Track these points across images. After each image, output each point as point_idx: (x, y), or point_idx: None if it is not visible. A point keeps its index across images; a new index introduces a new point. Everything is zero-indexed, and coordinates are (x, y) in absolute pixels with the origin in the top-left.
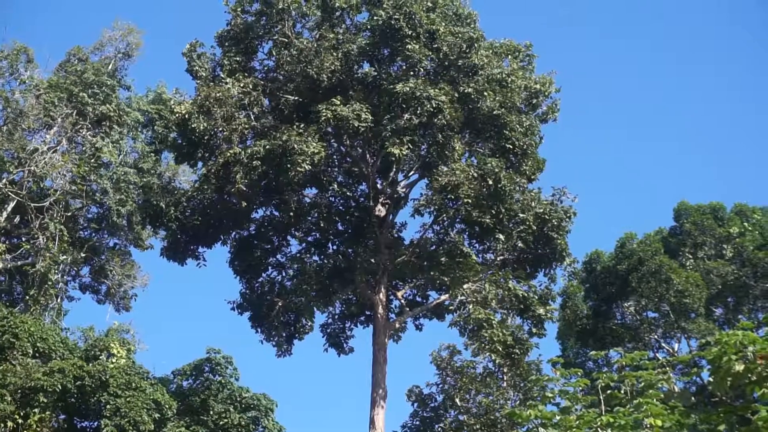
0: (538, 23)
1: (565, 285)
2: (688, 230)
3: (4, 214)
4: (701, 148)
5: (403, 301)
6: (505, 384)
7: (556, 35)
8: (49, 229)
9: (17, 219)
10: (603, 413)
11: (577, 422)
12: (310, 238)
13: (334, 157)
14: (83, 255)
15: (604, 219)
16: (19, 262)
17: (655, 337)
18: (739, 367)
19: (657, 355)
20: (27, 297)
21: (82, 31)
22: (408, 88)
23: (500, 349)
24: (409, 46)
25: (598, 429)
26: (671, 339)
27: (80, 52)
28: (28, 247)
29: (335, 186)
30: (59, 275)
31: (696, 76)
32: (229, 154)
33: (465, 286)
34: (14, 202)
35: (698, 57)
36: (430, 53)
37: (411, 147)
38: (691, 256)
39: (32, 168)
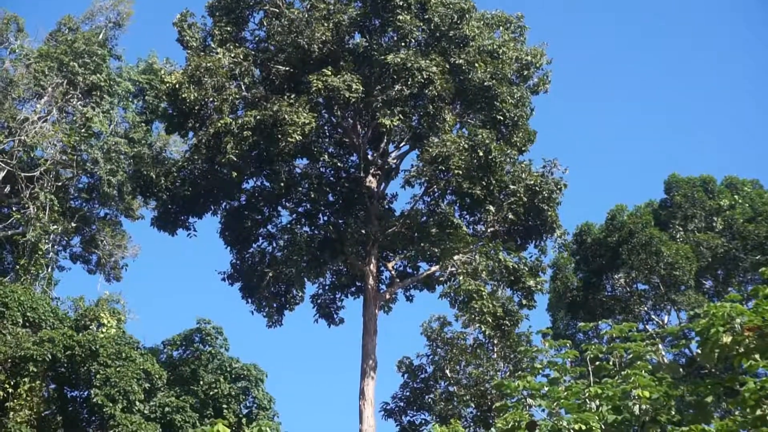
0: None
1: (556, 257)
2: (679, 203)
3: None
4: (692, 120)
5: (393, 272)
6: (495, 355)
7: (547, 6)
8: (40, 199)
9: (7, 188)
10: (591, 384)
11: (566, 393)
12: (300, 209)
13: (325, 127)
14: (74, 225)
15: (594, 191)
16: (9, 232)
17: (645, 309)
18: (727, 339)
19: (647, 327)
20: (17, 266)
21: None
22: (399, 59)
23: (490, 320)
24: (400, 17)
25: (586, 400)
26: (661, 311)
27: (71, 22)
28: (19, 216)
29: (326, 157)
30: (50, 245)
31: (686, 48)
32: (219, 125)
33: (455, 258)
34: (4, 172)
35: (688, 28)
36: (421, 24)
37: (402, 118)
38: (681, 229)
39: (22, 137)
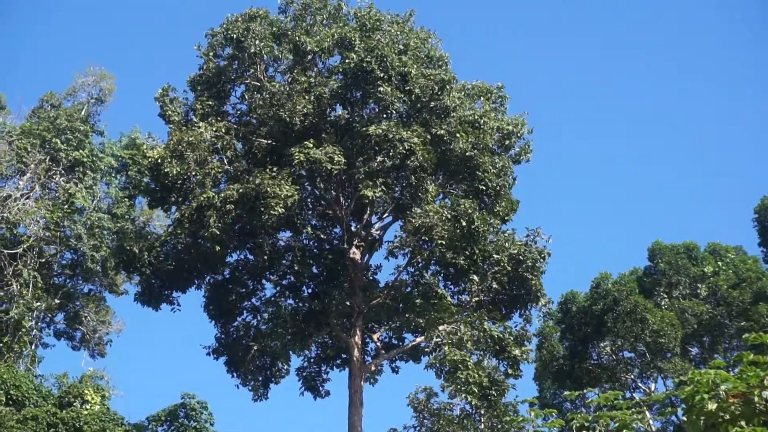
0: (510, 63)
1: (541, 326)
2: (663, 270)
3: None
4: (674, 187)
5: (378, 343)
6: (482, 426)
7: (528, 74)
8: (23, 276)
9: None
10: None
11: None
12: (284, 282)
13: (308, 200)
14: (57, 301)
15: (578, 259)
16: None
17: (632, 377)
18: (712, 406)
19: (634, 395)
20: (1, 345)
21: (55, 77)
22: (380, 131)
23: (476, 390)
24: (381, 89)
25: None
26: (648, 379)
27: (53, 98)
28: (2, 294)
29: (309, 229)
30: (33, 322)
31: (663, 115)
32: (202, 199)
33: (440, 328)
34: None
35: (670, 95)
36: (402, 95)
37: (384, 189)
38: (666, 296)
39: (5, 214)
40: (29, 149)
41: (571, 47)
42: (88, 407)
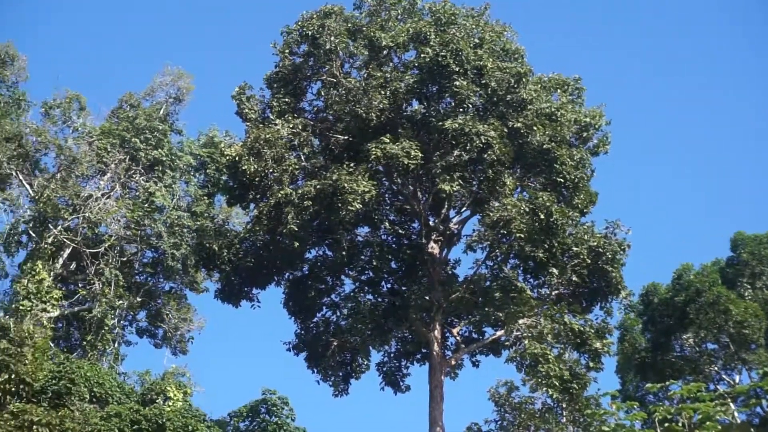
0: (587, 56)
1: (622, 318)
2: (746, 260)
3: (60, 261)
4: (757, 177)
5: (458, 337)
6: (564, 419)
7: (606, 66)
8: (105, 275)
9: (73, 265)
10: None
11: None
12: (363, 277)
13: (386, 195)
14: (139, 300)
15: (659, 251)
16: (76, 308)
17: (716, 369)
18: None
19: (718, 387)
20: (84, 343)
21: (134, 77)
22: (457, 125)
23: (557, 384)
24: (457, 83)
25: None
26: (732, 371)
27: (132, 99)
28: (85, 293)
29: (387, 224)
30: (116, 320)
31: (747, 105)
32: (280, 195)
33: (520, 322)
34: (70, 249)
35: (750, 85)
36: (478, 89)
37: (462, 183)
38: (749, 286)
39: (87, 214)
40: (109, 149)
41: (649, 36)
42: (170, 404)
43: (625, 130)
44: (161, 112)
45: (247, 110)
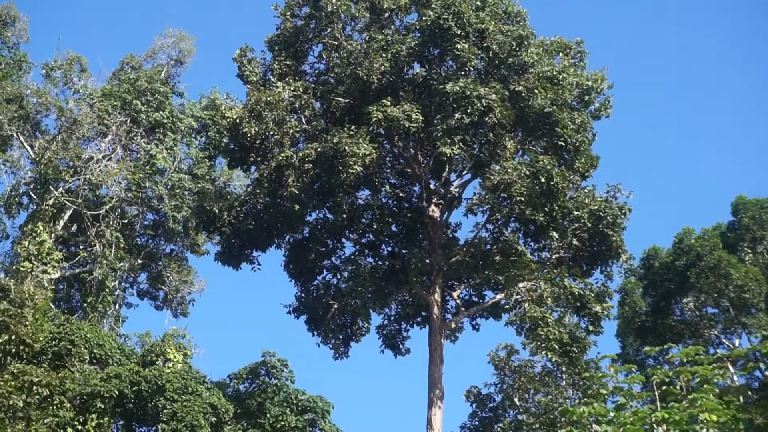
0: (589, 17)
1: (623, 282)
2: (747, 225)
3: (61, 223)
4: (758, 141)
5: (458, 301)
6: (564, 383)
7: (607, 28)
8: (106, 237)
9: (74, 227)
10: (658, 409)
11: (632, 419)
12: (364, 240)
13: (386, 158)
14: (140, 262)
15: (660, 215)
16: (76, 270)
17: (715, 333)
18: None
19: (717, 351)
20: (85, 304)
21: (135, 39)
22: (458, 88)
23: (557, 347)
24: (459, 46)
25: (653, 425)
26: (732, 335)
27: (133, 60)
28: (86, 255)
29: (388, 187)
30: (116, 282)
31: (751, 68)
32: (281, 158)
33: (520, 285)
34: (71, 211)
35: (754, 48)
36: (480, 52)
37: (463, 146)
38: (750, 251)
39: (88, 176)
40: (110, 111)
41: None
42: (170, 365)
43: (626, 93)
44: (163, 74)
45: (248, 73)
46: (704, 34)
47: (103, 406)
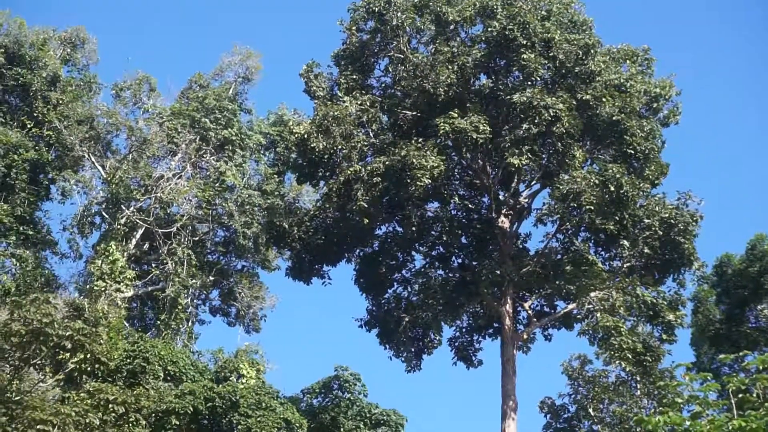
0: (656, 24)
1: (696, 290)
2: None
3: (134, 242)
4: None
5: (530, 311)
6: (638, 392)
7: (674, 36)
8: (178, 254)
9: (146, 246)
10: (735, 417)
11: (708, 427)
12: (434, 253)
13: (455, 170)
14: (212, 278)
15: (732, 221)
16: (149, 288)
17: None
18: None
19: None
20: (158, 322)
21: (203, 57)
22: (525, 98)
23: (631, 356)
24: (525, 56)
25: None
26: None
27: (201, 79)
28: (158, 272)
29: (457, 199)
30: (189, 299)
31: None
32: (349, 172)
33: (592, 294)
34: (143, 229)
35: None
36: (546, 62)
37: (531, 157)
38: None
39: (158, 195)
40: (179, 130)
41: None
42: (243, 381)
43: (696, 99)
44: (230, 91)
45: (315, 88)
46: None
47: (178, 423)
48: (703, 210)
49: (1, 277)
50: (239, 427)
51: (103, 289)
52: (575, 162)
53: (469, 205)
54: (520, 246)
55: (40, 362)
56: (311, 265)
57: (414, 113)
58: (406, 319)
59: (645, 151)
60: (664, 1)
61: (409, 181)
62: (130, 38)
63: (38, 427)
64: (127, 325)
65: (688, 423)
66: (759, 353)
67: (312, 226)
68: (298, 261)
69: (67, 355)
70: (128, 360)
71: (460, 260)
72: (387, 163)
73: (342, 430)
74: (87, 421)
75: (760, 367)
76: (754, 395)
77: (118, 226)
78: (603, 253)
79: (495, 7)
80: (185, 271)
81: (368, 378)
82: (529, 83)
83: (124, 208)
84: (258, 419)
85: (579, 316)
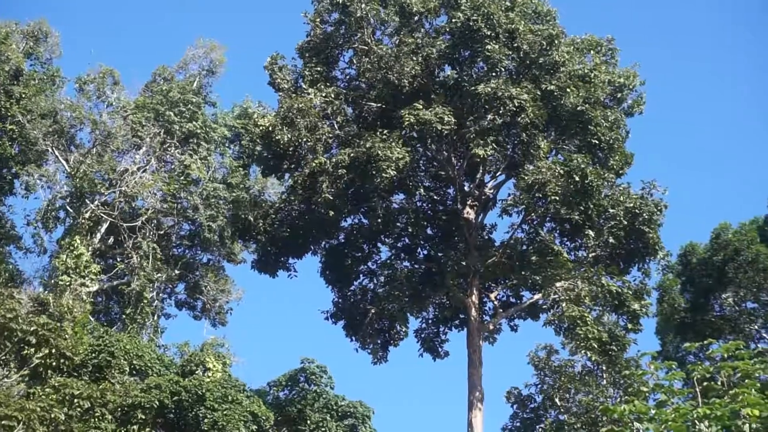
0: (620, 13)
1: (661, 279)
2: None
3: (98, 236)
4: None
5: (496, 302)
6: (604, 381)
7: (638, 25)
8: (143, 248)
9: (111, 240)
10: (700, 405)
11: (673, 415)
12: (399, 244)
13: (420, 161)
14: (177, 272)
15: (697, 211)
16: (114, 282)
17: (756, 327)
18: None
19: (758, 345)
20: (124, 316)
21: (166, 50)
22: (489, 89)
23: (596, 346)
24: (489, 47)
25: (695, 421)
26: None
27: (165, 72)
28: (123, 267)
29: (422, 190)
30: (154, 293)
31: None
32: (314, 164)
33: (558, 285)
34: (107, 223)
35: None
36: (511, 53)
37: (496, 147)
38: None
39: (123, 188)
40: (144, 123)
41: None
42: (210, 375)
43: (660, 89)
44: (195, 84)
45: (279, 80)
46: (737, 24)
47: (144, 417)
48: (668, 199)
49: None
50: (205, 420)
51: (67, 283)
52: (540, 152)
53: (435, 197)
54: (486, 237)
55: (4, 357)
56: (277, 257)
57: (379, 105)
58: (372, 311)
59: (609, 141)
60: None
61: (374, 172)
62: (93, 32)
63: (3, 422)
64: (92, 319)
65: (653, 411)
66: (723, 341)
67: (277, 218)
68: (264, 254)
69: (32, 350)
70: (93, 354)
71: (425, 252)
72: (352, 155)
73: (308, 422)
74: (52, 416)
75: (725, 355)
76: (719, 383)
77: (83, 221)
78: (568, 243)
79: None
80: (150, 265)
81: (335, 370)
82: (494, 74)
83: (88, 202)
84: (224, 412)
85: (545, 307)
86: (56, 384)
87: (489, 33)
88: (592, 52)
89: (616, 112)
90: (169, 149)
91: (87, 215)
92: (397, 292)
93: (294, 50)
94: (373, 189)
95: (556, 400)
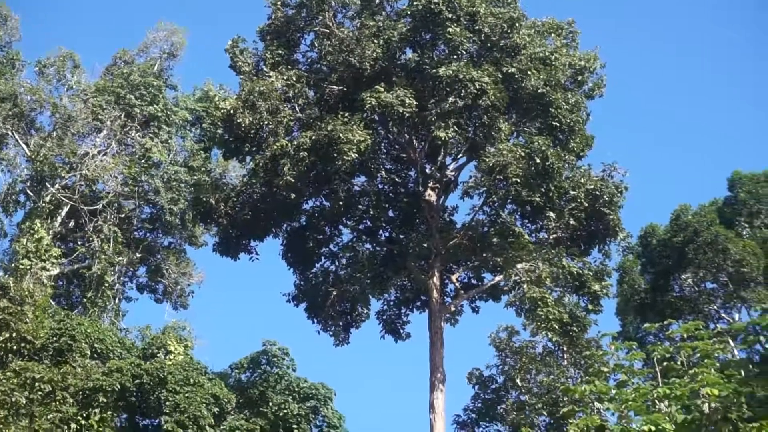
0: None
1: (621, 260)
2: (743, 199)
3: (59, 219)
4: (753, 115)
5: (457, 284)
6: (565, 362)
7: (598, 9)
8: (104, 232)
9: (71, 223)
10: (660, 385)
11: (634, 395)
12: (361, 227)
13: (381, 144)
14: (139, 255)
15: (657, 192)
16: (75, 266)
17: (715, 308)
18: None
19: (718, 325)
20: (85, 300)
21: (127, 34)
22: (451, 71)
23: (557, 327)
24: (450, 30)
25: (655, 401)
26: (731, 309)
27: (126, 55)
28: (84, 250)
29: (383, 173)
30: (115, 276)
31: (746, 42)
32: (276, 147)
33: (519, 266)
34: (68, 207)
35: (748, 22)
36: (472, 35)
37: (457, 130)
38: (747, 225)
39: (84, 172)
40: (104, 106)
41: None
42: (171, 358)
43: (620, 71)
44: (155, 67)
45: (240, 63)
46: (698, 5)
47: (105, 400)
48: (628, 181)
49: None
50: (167, 403)
51: (28, 267)
52: (501, 135)
53: (396, 179)
54: (447, 219)
55: None
56: (238, 240)
57: (340, 88)
58: (334, 293)
59: (570, 124)
60: None
61: (335, 155)
62: (53, 15)
63: None
64: (53, 303)
65: (614, 391)
66: (683, 322)
67: (239, 201)
68: (225, 237)
69: None
70: (54, 338)
71: (387, 234)
72: (313, 137)
73: (270, 404)
74: (13, 400)
75: (684, 336)
76: (679, 363)
77: (43, 204)
78: (529, 225)
79: None
80: (111, 249)
81: (296, 352)
82: (455, 57)
83: (48, 185)
84: (186, 395)
85: (506, 288)
86: (17, 368)
87: (450, 16)
88: (553, 35)
89: (576, 94)
90: (129, 132)
91: (47, 199)
92: (359, 274)
93: (255, 33)
94: (334, 171)
95: (518, 380)
